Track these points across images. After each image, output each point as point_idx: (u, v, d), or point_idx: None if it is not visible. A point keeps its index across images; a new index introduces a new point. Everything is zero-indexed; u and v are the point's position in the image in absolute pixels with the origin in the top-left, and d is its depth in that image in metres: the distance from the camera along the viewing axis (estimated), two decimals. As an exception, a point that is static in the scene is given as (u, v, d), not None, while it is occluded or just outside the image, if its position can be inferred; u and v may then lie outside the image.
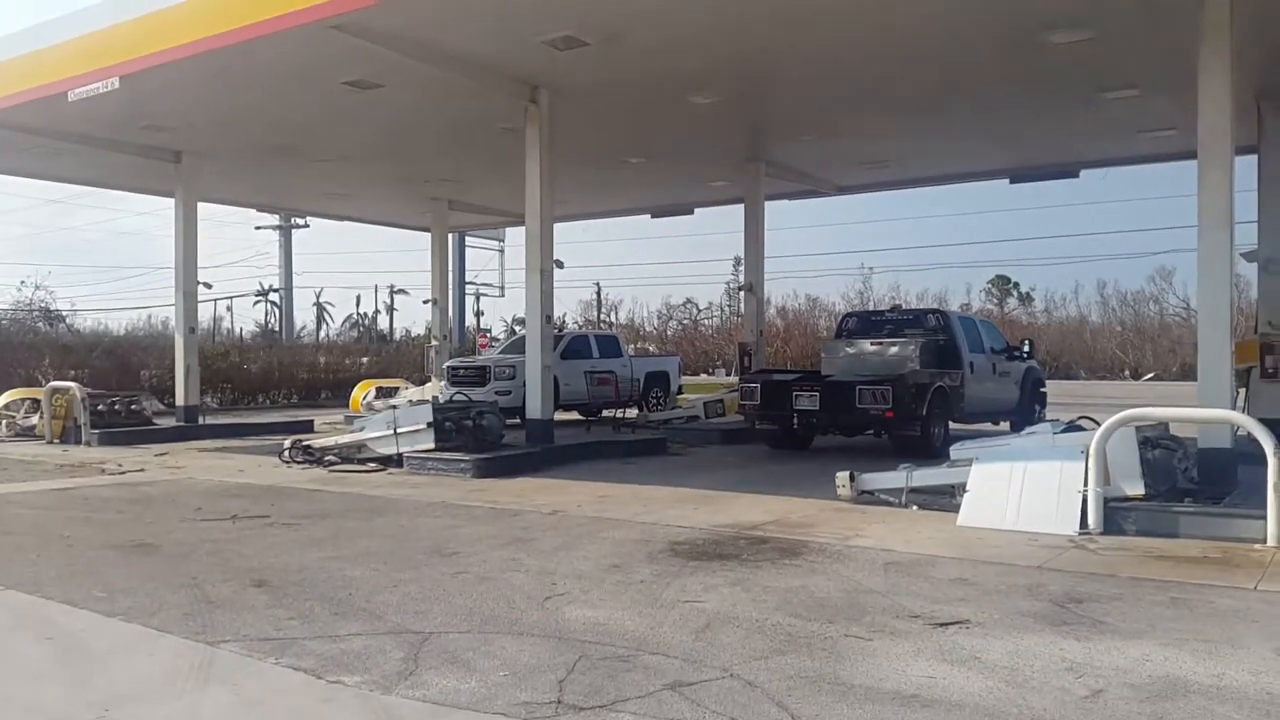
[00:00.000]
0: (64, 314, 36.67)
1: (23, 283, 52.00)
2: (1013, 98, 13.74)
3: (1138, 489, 7.71)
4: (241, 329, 57.83)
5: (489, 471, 11.47)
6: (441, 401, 14.09)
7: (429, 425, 12.15)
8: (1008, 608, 5.32)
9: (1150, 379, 44.32)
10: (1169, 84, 12.57)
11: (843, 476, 9.23)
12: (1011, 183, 19.59)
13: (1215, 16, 9.19)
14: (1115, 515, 7.50)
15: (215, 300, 51.07)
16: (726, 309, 60.40)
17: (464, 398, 14.27)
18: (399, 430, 12.32)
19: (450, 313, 25.57)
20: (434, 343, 23.50)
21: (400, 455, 12.21)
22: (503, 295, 47.92)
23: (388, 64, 11.73)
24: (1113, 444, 7.68)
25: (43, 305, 33.89)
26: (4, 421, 17.19)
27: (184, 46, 11.50)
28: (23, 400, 17.64)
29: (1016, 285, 71.94)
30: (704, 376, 44.14)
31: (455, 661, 4.42)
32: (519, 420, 14.97)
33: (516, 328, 50.46)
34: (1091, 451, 7.53)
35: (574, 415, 19.99)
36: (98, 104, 12.94)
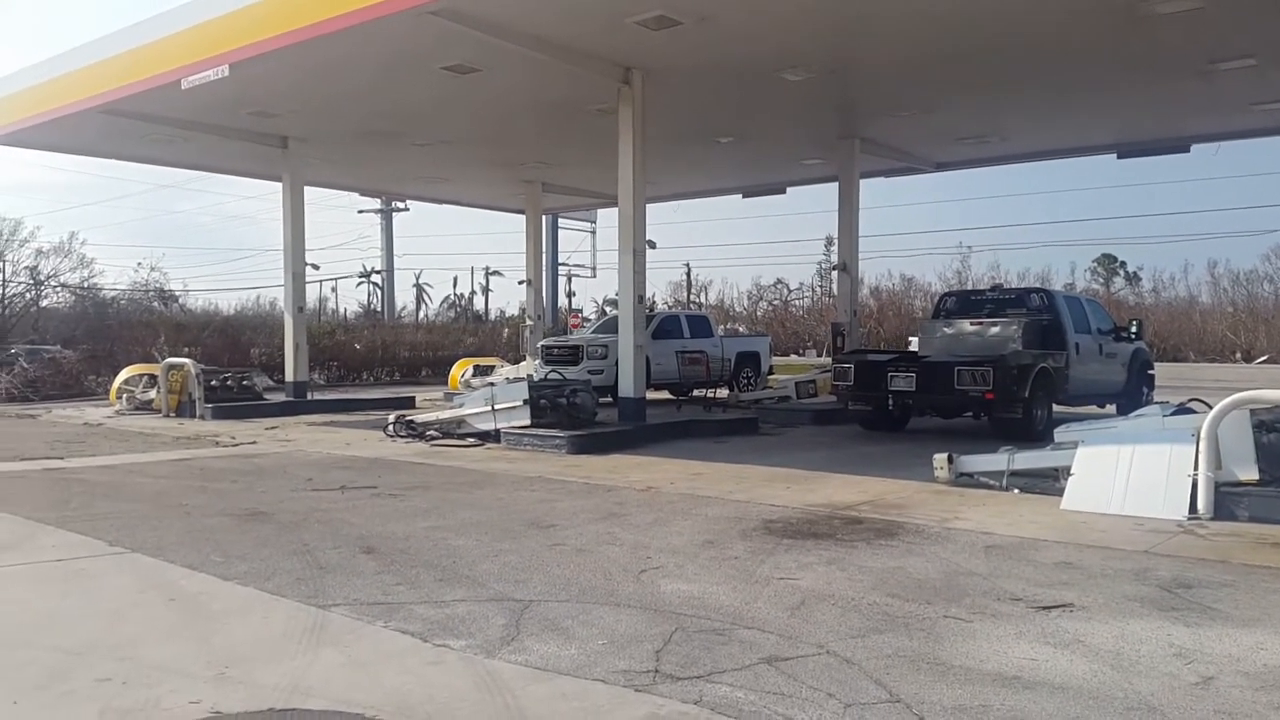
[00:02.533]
0: (177, 294, 38.32)
1: (139, 264, 54.53)
2: (1119, 70, 13.23)
3: (1251, 474, 7.42)
4: (346, 309, 59.62)
5: (583, 448, 11.64)
6: (536, 379, 14.30)
7: (525, 402, 12.38)
8: (1113, 592, 5.20)
9: (1264, 362, 42.28)
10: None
11: (941, 458, 9.09)
12: (1119, 158, 18.91)
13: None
14: (1226, 500, 7.24)
15: (321, 281, 52.82)
16: (818, 289, 59.74)
17: (558, 376, 14.48)
18: (496, 407, 12.58)
19: (544, 293, 25.89)
20: (529, 322, 23.87)
21: (498, 431, 12.47)
22: (594, 276, 48.38)
23: (484, 48, 11.91)
24: (1225, 427, 7.40)
25: (157, 286, 35.48)
26: (124, 396, 18.04)
27: (289, 34, 11.87)
28: (141, 376, 18.49)
29: (1123, 264, 69.48)
30: (794, 357, 43.77)
31: (555, 629, 4.53)
32: (611, 399, 15.12)
33: (608, 308, 50.83)
34: (1203, 435, 7.27)
35: (665, 395, 20.06)
36: (208, 91, 13.46)
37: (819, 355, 41.50)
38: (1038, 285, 40.38)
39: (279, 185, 18.87)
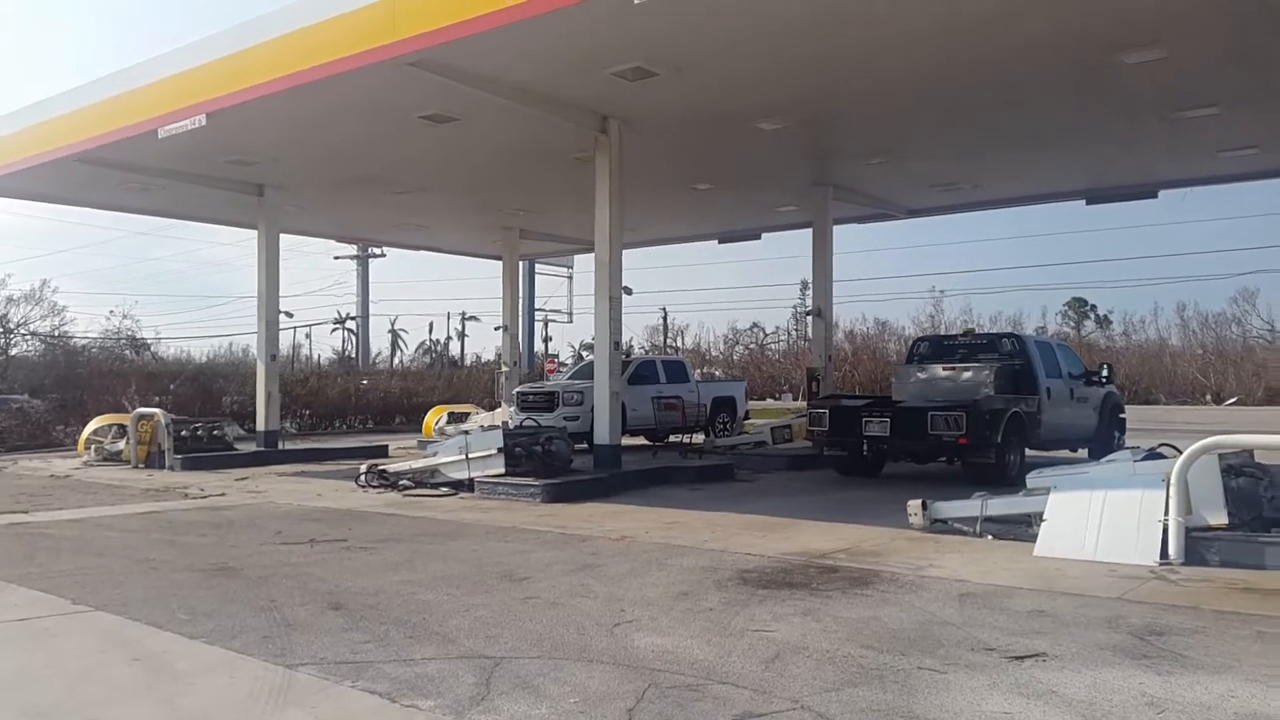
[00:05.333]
0: (149, 342, 37.98)
1: (111, 312, 54.05)
2: (1087, 119, 13.52)
3: (1221, 518, 7.47)
4: (319, 355, 59.31)
5: (558, 497, 11.57)
6: (511, 427, 14.25)
7: (499, 451, 12.32)
8: (1086, 640, 5.20)
9: (1233, 404, 42.79)
10: (1249, 101, 12.27)
11: (915, 504, 9.10)
12: (1088, 204, 19.17)
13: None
14: (1198, 545, 7.28)
15: (295, 328, 52.53)
16: (794, 333, 60.02)
17: (533, 423, 14.43)
18: (470, 456, 12.51)
19: (520, 338, 25.89)
20: (504, 369, 23.82)
21: (472, 480, 12.39)
22: (570, 321, 48.42)
23: (461, 98, 12.03)
24: (1194, 472, 7.46)
25: (129, 334, 35.17)
26: (93, 447, 17.82)
27: (266, 84, 11.95)
28: (110, 426, 18.28)
29: (1094, 308, 70.30)
30: (770, 401, 43.82)
31: (526, 687, 4.47)
32: (587, 445, 15.07)
33: (584, 353, 50.81)
34: (1173, 480, 7.33)
35: (641, 440, 20.04)
36: (185, 140, 13.49)
37: (795, 399, 41.59)
38: (1010, 329, 40.80)
39: (254, 232, 18.85)
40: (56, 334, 33.43)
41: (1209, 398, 45.40)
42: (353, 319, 60.63)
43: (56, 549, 8.48)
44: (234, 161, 15.96)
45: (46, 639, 5.51)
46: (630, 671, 4.71)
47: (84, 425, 19.13)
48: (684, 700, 4.27)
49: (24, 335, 32.78)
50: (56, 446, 21.12)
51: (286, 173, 16.95)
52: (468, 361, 59.07)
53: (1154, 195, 18.29)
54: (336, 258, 54.06)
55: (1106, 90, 12.14)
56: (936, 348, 15.90)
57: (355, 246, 49.51)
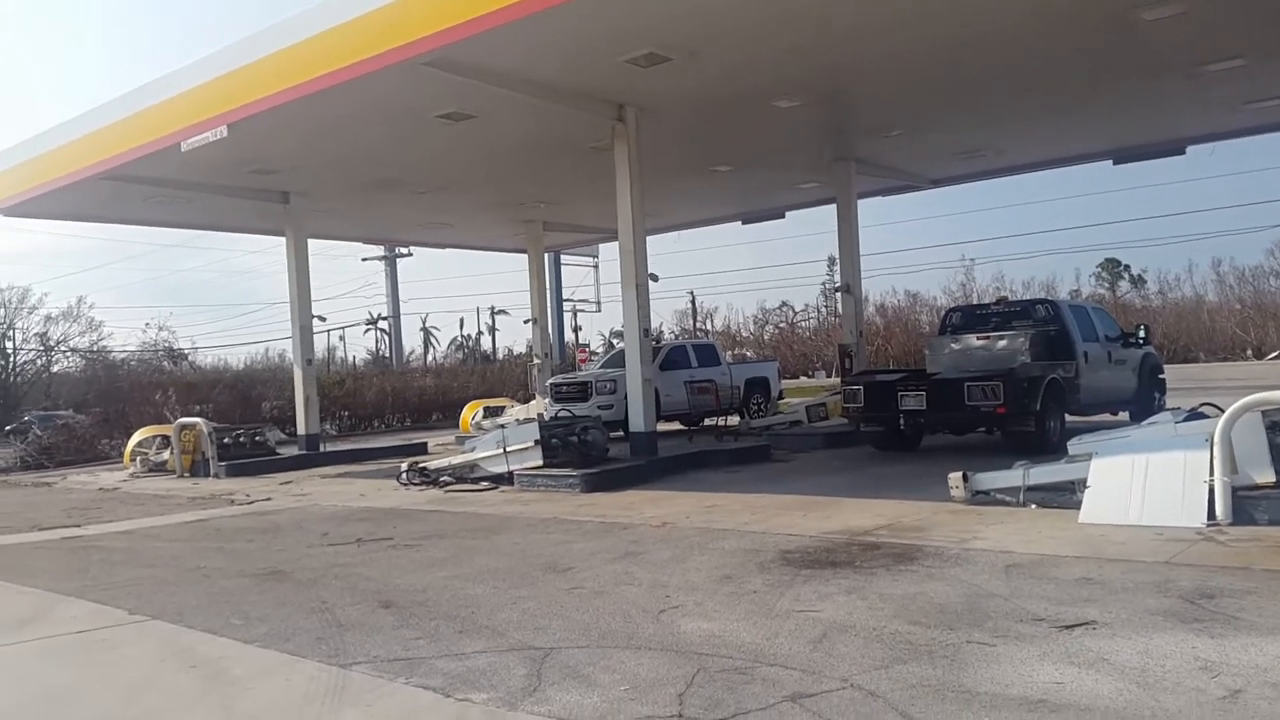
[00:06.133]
0: (186, 352, 38.51)
1: (147, 325, 54.85)
2: (1109, 78, 13.31)
3: (1268, 476, 7.37)
4: (354, 357, 59.88)
5: (596, 486, 11.63)
6: (546, 419, 14.31)
7: (536, 443, 12.38)
8: (1136, 606, 5.17)
9: (1275, 358, 42.08)
10: (1275, 51, 12.02)
11: (955, 477, 9.05)
12: (1115, 164, 18.91)
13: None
14: (1245, 505, 7.19)
15: (329, 331, 53.06)
16: (823, 310, 59.75)
17: (568, 414, 14.48)
18: (508, 449, 12.59)
19: (550, 330, 25.97)
20: (536, 361, 23.90)
21: (511, 473, 12.47)
22: (599, 310, 48.60)
23: (477, 95, 12.06)
24: (1238, 430, 7.36)
25: (166, 345, 35.67)
26: (138, 459, 18.11)
27: (284, 92, 12.05)
28: (154, 438, 18.58)
29: (1127, 268, 69.47)
30: (803, 379, 43.72)
31: (576, 676, 4.52)
32: (622, 433, 15.12)
33: (615, 341, 50.91)
34: (1216, 439, 7.23)
35: (676, 425, 20.05)
36: (208, 152, 13.62)
37: (828, 376, 41.44)
38: (1042, 295, 40.36)
39: (282, 239, 19.03)
40: (95, 349, 34.04)
41: (1249, 353, 44.68)
42: (384, 319, 61.12)
43: (109, 561, 8.65)
44: (257, 171, 16.11)
45: (105, 650, 5.63)
46: (678, 657, 4.74)
47: (128, 438, 19.45)
48: (733, 684, 4.29)
49: (64, 352, 33.38)
50: (103, 459, 21.49)
51: (309, 179, 17.08)
52: (499, 355, 59.44)
53: (1182, 152, 17.99)
54: (365, 259, 54.38)
55: (1127, 49, 11.94)
56: (969, 317, 15.76)
57: (382, 248, 49.84)
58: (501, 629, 5.45)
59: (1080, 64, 12.59)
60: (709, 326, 62.22)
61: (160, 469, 17.72)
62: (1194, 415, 8.54)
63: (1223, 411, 7.48)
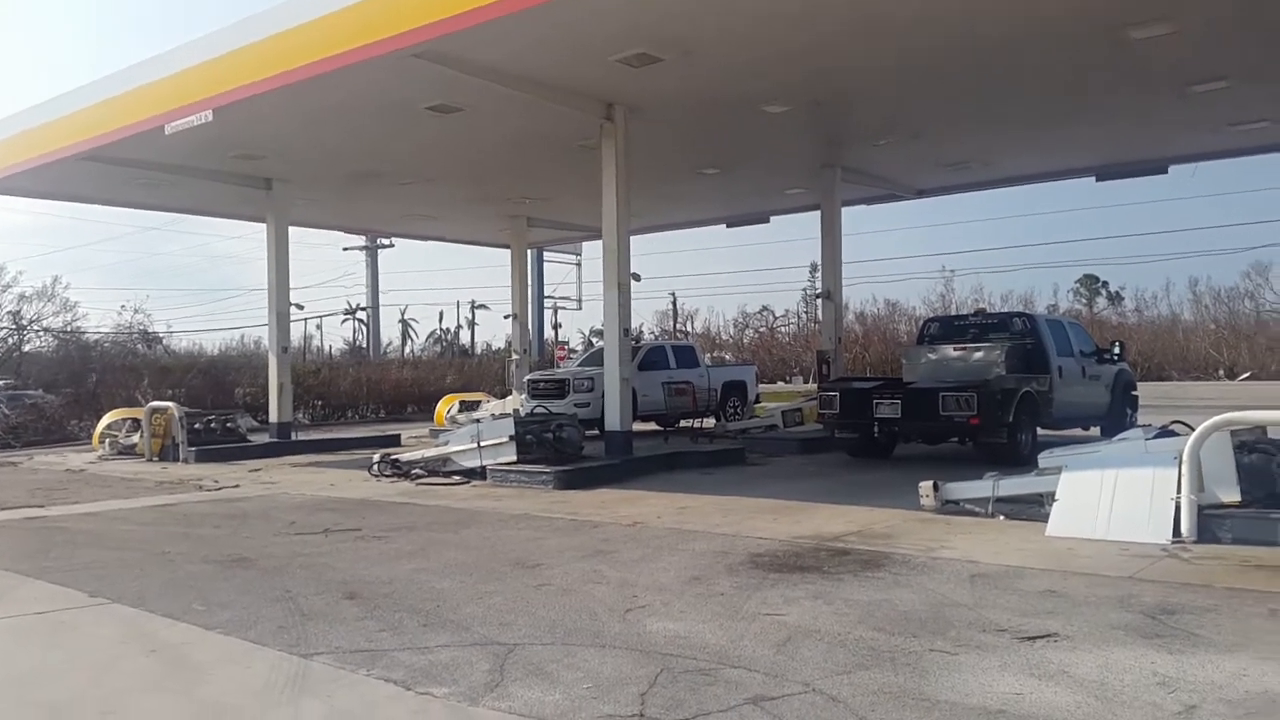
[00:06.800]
0: (161, 336, 38.13)
1: (123, 307, 54.29)
2: (1096, 95, 13.42)
3: (1233, 495, 7.46)
4: (330, 346, 59.52)
5: (569, 483, 11.61)
6: (522, 414, 14.28)
7: (511, 439, 12.35)
8: (1098, 620, 5.21)
9: (1246, 378, 42.54)
10: (1260, 74, 12.16)
11: (926, 486, 9.10)
12: (1098, 180, 19.07)
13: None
14: (1210, 523, 7.26)
15: (306, 319, 52.70)
16: (803, 315, 59.94)
17: (544, 410, 14.48)
18: (482, 444, 12.55)
19: (529, 326, 25.92)
20: (514, 356, 23.86)
21: (484, 468, 12.43)
22: (580, 308, 48.43)
23: (466, 88, 12.02)
24: (1207, 449, 7.44)
25: (141, 328, 35.29)
26: (107, 441, 17.93)
27: (271, 79, 11.96)
28: (124, 420, 18.38)
29: (1105, 284, 70.04)
30: (781, 384, 43.79)
31: (539, 673, 4.51)
32: (598, 432, 15.11)
33: (594, 339, 50.89)
34: (1185, 458, 7.30)
35: (652, 426, 20.06)
36: (192, 135, 13.50)
37: (805, 382, 41.55)
38: (1020, 308, 40.60)
39: (263, 225, 18.90)
40: (69, 330, 33.65)
41: (1222, 373, 45.13)
42: (363, 309, 60.86)
43: (73, 543, 8.56)
44: (241, 156, 15.99)
45: (65, 632, 5.58)
46: (643, 657, 4.74)
47: (98, 420, 19.26)
48: (696, 685, 4.30)
49: (37, 331, 33.01)
50: (71, 441, 21.27)
51: (294, 166, 16.97)
52: (478, 350, 59.26)
53: (1164, 170, 18.17)
54: (346, 249, 54.23)
55: (1116, 66, 12.05)
56: (947, 328, 15.87)
57: (364, 238, 49.61)
58: (466, 624, 5.43)
59: (1069, 79, 12.69)
60: (689, 328, 62.28)
61: (129, 452, 17.54)
62: (1164, 433, 8.63)
63: (1192, 430, 7.56)
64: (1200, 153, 17.43)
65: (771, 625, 5.27)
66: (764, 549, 7.50)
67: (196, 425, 17.16)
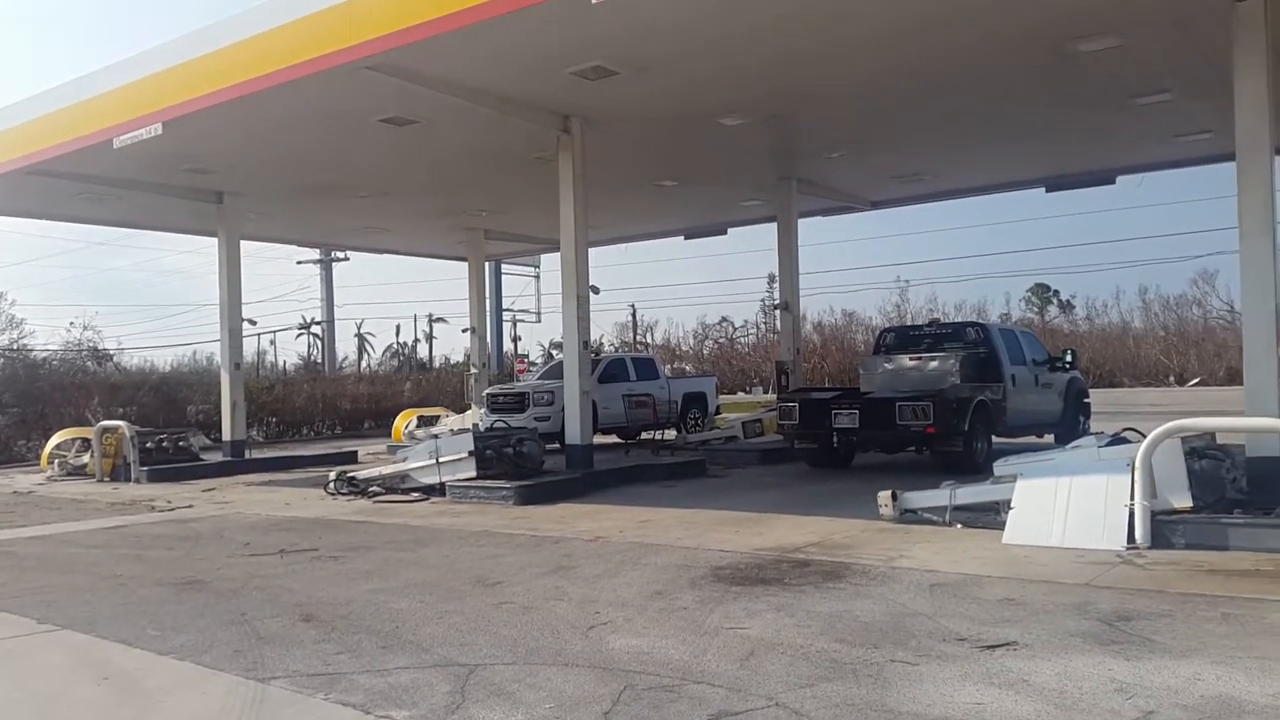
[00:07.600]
0: (111, 353, 37.32)
1: (71, 324, 53.03)
2: (1044, 108, 13.66)
3: (1185, 501, 7.60)
4: (285, 362, 58.60)
5: (530, 498, 11.54)
6: (482, 429, 14.18)
7: (470, 454, 12.25)
8: (1056, 628, 5.27)
9: (1196, 384, 43.49)
10: (1202, 88, 12.46)
11: (885, 496, 9.17)
12: (1048, 191, 19.40)
13: (1250, 14, 9.12)
14: (1163, 529, 7.39)
15: (259, 334, 51.93)
16: (762, 326, 60.27)
17: (504, 425, 14.37)
18: (441, 460, 12.44)
19: (489, 339, 25.79)
20: (473, 370, 23.71)
21: (443, 484, 12.32)
22: (539, 320, 48.36)
23: (421, 100, 11.95)
24: (1159, 456, 7.57)
25: (91, 345, 34.50)
26: (56, 461, 17.55)
27: (222, 91, 11.79)
28: (74, 440, 18.00)
29: (1056, 293, 71.16)
30: (741, 395, 43.97)
31: (501, 694, 4.46)
32: (559, 445, 15.05)
33: (554, 352, 50.66)
34: (1137, 465, 7.43)
35: (613, 439, 20.03)
36: (141, 149, 13.27)
37: (765, 392, 41.76)
38: (974, 317, 41.20)
39: (214, 239, 18.62)
40: (15, 347, 32.82)
41: (1172, 379, 46.09)
42: (318, 324, 60.08)
43: (20, 567, 8.34)
44: (192, 170, 15.75)
45: (12, 660, 5.43)
46: (606, 674, 4.71)
47: (46, 440, 18.82)
48: (659, 701, 4.27)
49: (-19, 350, 32.15)
50: (19, 462, 20.77)
51: (246, 179, 16.75)
52: (436, 364, 58.69)
53: (1112, 181, 18.51)
54: (299, 262, 53.38)
55: (1063, 80, 12.27)
56: (903, 338, 16.02)
57: (318, 251, 49.05)
58: (426, 644, 5.37)
59: (1019, 93, 12.91)
60: (649, 340, 62.34)
61: (79, 472, 17.19)
62: (1117, 440, 8.77)
63: (1144, 436, 7.69)
64: (1147, 163, 17.78)
65: (734, 639, 5.26)
66: (726, 562, 7.50)
67: (148, 444, 16.84)
